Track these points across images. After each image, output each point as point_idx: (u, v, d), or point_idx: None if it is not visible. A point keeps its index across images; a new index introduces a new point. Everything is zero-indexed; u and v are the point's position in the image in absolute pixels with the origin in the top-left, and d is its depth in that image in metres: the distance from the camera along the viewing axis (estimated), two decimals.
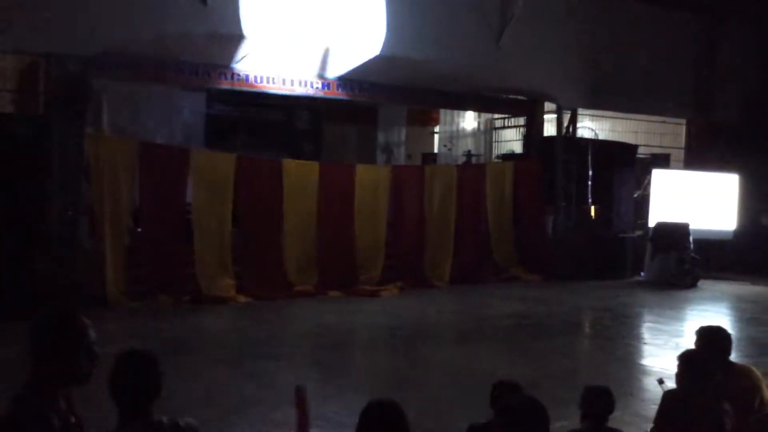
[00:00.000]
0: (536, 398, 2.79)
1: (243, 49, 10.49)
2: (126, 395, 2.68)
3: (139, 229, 10.40)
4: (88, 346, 2.62)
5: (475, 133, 17.16)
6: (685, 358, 3.93)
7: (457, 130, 17.34)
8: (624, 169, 14.19)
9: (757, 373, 4.27)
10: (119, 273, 9.78)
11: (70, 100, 9.36)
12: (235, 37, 10.08)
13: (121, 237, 9.99)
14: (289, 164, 11.48)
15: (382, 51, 11.15)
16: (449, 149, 17.03)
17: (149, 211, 10.35)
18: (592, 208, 13.84)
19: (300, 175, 11.45)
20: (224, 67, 11.34)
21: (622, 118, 15.87)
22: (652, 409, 4.21)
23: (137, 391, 2.68)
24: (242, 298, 10.25)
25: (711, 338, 4.26)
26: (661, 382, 4.23)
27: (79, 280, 9.12)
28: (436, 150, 17.75)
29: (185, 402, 5.34)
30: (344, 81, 12.46)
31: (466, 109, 16.35)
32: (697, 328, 4.41)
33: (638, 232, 14.13)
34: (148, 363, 2.76)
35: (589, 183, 13.71)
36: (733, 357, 4.38)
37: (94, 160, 9.70)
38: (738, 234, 13.99)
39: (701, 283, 12.89)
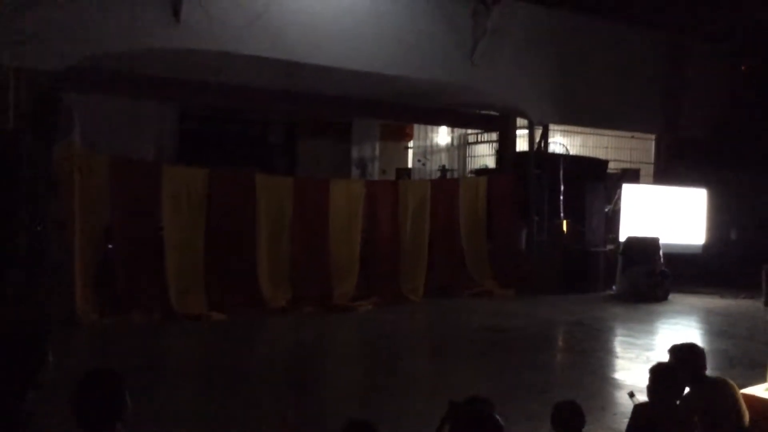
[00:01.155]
0: (492, 414, 2.83)
1: None
2: (89, 415, 2.65)
3: (111, 246, 10.27)
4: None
5: (448, 148, 17.29)
6: (656, 372, 3.98)
7: (431, 145, 17.47)
8: (595, 184, 14.37)
9: (733, 385, 4.33)
10: (89, 290, 9.63)
11: (41, 115, 9.26)
12: (208, 53, 10.05)
13: (92, 253, 9.85)
14: (263, 179, 11.44)
15: (355, 66, 11.21)
16: (423, 164, 17.14)
17: (121, 226, 10.23)
18: (564, 222, 13.99)
19: (273, 189, 11.41)
20: (197, 82, 11.32)
21: (593, 134, 16.11)
22: (624, 423, 4.26)
23: (101, 411, 2.66)
24: (215, 315, 10.15)
25: (684, 355, 4.32)
26: (631, 395, 4.29)
27: (49, 296, 8.97)
28: (410, 165, 17.84)
29: (155, 422, 5.27)
30: (318, 95, 12.53)
31: (439, 124, 16.49)
32: (668, 342, 4.47)
33: (609, 247, 14.29)
34: (112, 382, 2.73)
35: (561, 198, 13.86)
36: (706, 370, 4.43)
37: (65, 175, 9.57)
38: (707, 248, 14.21)
39: (671, 296, 13.06)
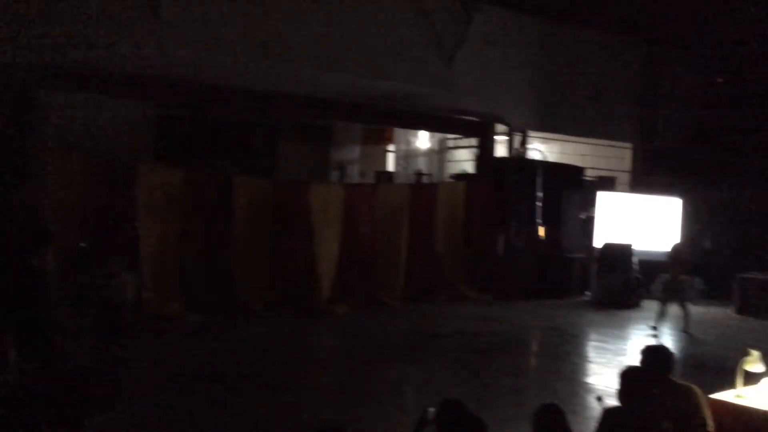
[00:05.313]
0: (479, 416, 2.84)
1: None
2: None
3: (83, 245, 10.12)
4: None
5: (428, 153, 17.34)
6: (625, 376, 4.03)
7: (412, 150, 17.50)
8: (572, 191, 14.50)
9: (698, 391, 4.39)
10: (64, 290, 9.50)
11: (15, 111, 9.14)
12: (187, 51, 9.99)
13: (66, 252, 9.72)
14: (241, 181, 11.39)
15: (335, 70, 11.23)
16: (405, 168, 17.16)
17: (96, 225, 10.11)
18: (541, 228, 14.09)
19: (252, 192, 11.37)
20: (176, 81, 11.24)
21: (571, 141, 16.26)
22: (595, 427, 4.29)
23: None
24: (191, 317, 10.08)
25: (654, 356, 4.39)
26: (599, 399, 4.33)
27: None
28: (389, 168, 17.85)
29: (124, 423, 5.24)
30: (299, 98, 12.51)
31: (419, 128, 16.53)
32: (641, 346, 4.53)
33: (585, 253, 14.42)
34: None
35: (538, 204, 13.96)
36: (674, 375, 4.50)
37: (41, 172, 9.45)
38: None
39: (645, 302, 13.20)
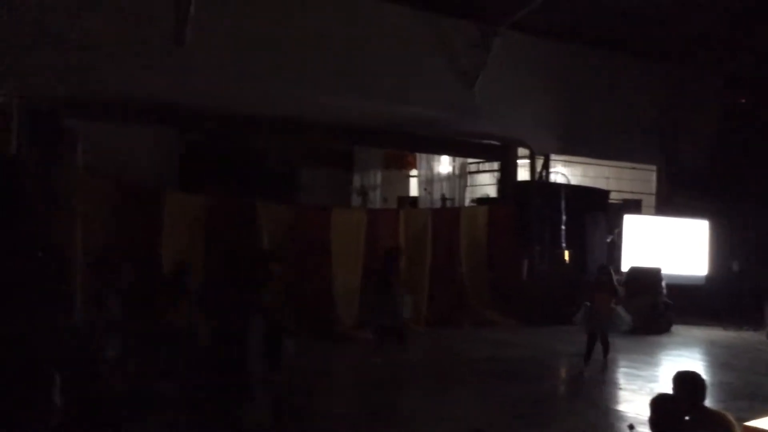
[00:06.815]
0: None
1: None
2: None
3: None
4: None
5: (450, 177, 17.30)
6: (656, 403, 3.93)
7: (433, 174, 17.48)
8: (596, 214, 14.35)
9: (732, 419, 4.28)
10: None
11: (43, 140, 9.27)
12: (209, 78, 10.11)
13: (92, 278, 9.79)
14: (264, 209, 11.42)
15: (357, 95, 11.29)
16: (429, 192, 17.14)
17: (121, 252, 10.17)
18: (566, 252, 13.93)
19: (275, 219, 11.40)
20: (198, 107, 11.36)
21: (594, 164, 16.13)
22: None
23: None
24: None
25: (686, 383, 4.29)
26: (631, 428, 4.23)
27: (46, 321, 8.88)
28: (411, 193, 17.83)
29: None
30: (321, 124, 12.59)
31: (440, 153, 16.52)
32: (672, 373, 4.43)
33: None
34: None
35: (563, 227, 13.83)
36: (707, 402, 4.39)
37: (68, 199, 9.56)
38: (709, 279, 14.13)
39: (674, 327, 12.95)
